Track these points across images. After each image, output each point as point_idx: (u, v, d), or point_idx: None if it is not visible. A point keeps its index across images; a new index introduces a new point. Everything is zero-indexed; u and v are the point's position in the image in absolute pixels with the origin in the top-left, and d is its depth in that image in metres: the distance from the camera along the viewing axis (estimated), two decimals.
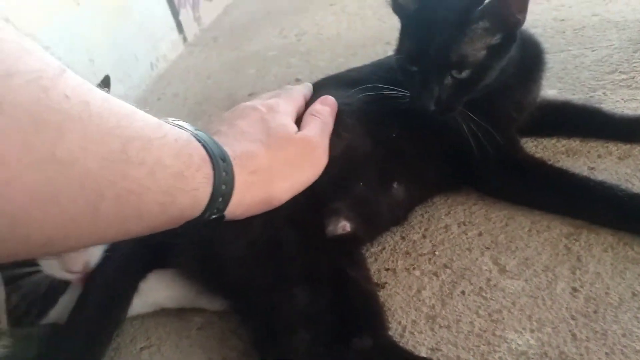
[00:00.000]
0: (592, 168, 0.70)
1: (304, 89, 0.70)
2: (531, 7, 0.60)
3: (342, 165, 0.61)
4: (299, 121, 0.61)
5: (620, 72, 0.91)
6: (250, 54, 1.57)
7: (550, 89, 0.90)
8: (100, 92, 0.38)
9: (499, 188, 0.67)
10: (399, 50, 0.68)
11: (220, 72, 1.50)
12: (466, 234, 0.65)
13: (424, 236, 0.67)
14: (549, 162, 0.66)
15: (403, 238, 0.68)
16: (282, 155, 0.54)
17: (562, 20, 1.20)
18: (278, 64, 1.43)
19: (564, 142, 0.76)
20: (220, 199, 0.46)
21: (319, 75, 1.26)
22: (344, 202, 0.61)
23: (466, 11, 0.59)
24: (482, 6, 0.58)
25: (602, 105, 0.82)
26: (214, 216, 0.47)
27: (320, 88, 0.73)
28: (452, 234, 0.66)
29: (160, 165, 0.40)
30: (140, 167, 0.38)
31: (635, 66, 0.92)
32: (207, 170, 0.45)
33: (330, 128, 0.61)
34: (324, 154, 0.58)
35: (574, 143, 0.75)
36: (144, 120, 0.41)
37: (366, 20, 1.57)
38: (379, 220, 0.66)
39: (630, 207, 0.57)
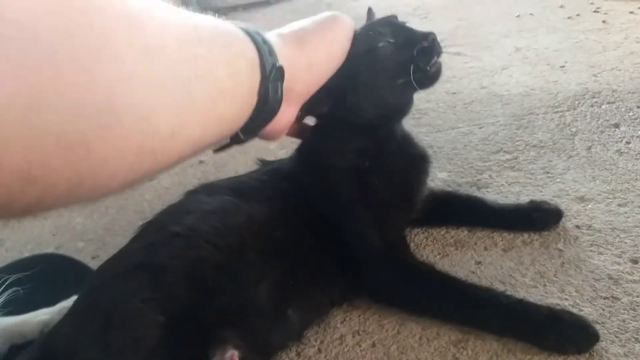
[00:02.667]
0: (479, 262, 0.71)
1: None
2: None
3: (231, 292, 0.58)
4: None
5: (504, 151, 0.96)
6: None
7: (441, 172, 0.93)
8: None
9: (390, 298, 0.67)
10: None
11: None
12: (360, 346, 0.64)
13: (320, 350, 0.65)
14: (437, 269, 0.66)
15: (298, 354, 0.65)
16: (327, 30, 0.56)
17: (454, 93, 1.26)
18: None
19: (452, 232, 0.77)
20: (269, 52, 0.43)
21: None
22: (232, 330, 0.58)
23: None
24: None
25: (487, 190, 0.85)
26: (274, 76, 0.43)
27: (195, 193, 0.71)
28: (346, 346, 0.64)
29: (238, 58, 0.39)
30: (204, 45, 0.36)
31: (518, 145, 0.97)
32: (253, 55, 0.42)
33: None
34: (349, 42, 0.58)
35: (462, 234, 0.77)
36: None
37: None
38: (272, 344, 0.63)
39: (514, 314, 0.58)
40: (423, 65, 0.61)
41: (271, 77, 0.42)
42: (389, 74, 0.63)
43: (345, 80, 0.59)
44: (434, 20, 1.91)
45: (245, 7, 3.04)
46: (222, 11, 3.01)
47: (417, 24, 1.93)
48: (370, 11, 0.75)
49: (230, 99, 0.38)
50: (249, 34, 0.42)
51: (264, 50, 0.42)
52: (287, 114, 0.50)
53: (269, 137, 0.52)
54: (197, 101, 0.34)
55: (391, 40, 0.63)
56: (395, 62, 0.63)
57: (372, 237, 0.67)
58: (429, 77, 0.63)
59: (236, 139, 0.46)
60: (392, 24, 0.67)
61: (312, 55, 0.52)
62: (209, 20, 0.38)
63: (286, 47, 0.47)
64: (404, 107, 0.70)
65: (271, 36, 0.46)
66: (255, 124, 0.44)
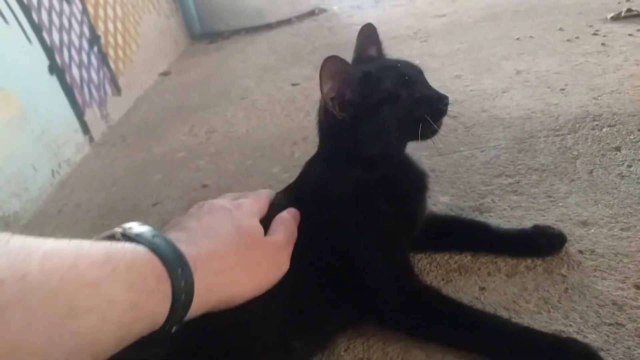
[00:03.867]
0: (483, 288, 0.71)
1: (268, 193, 0.71)
2: None
3: (236, 326, 0.58)
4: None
5: (506, 175, 0.96)
6: (159, 156, 1.54)
7: (443, 196, 0.94)
8: (39, 250, 0.37)
9: (397, 323, 0.67)
10: None
11: (125, 178, 1.45)
12: None
13: None
14: (443, 294, 0.67)
15: None
16: (250, 255, 0.55)
17: (455, 116, 1.27)
18: (186, 167, 1.40)
19: (456, 258, 0.77)
20: (180, 310, 0.45)
21: (227, 181, 1.26)
22: None
23: None
24: None
25: (490, 214, 0.85)
26: (175, 326, 0.45)
27: None
28: None
29: (112, 305, 0.39)
30: (90, 316, 0.37)
31: (520, 168, 0.97)
32: (165, 288, 0.44)
33: (295, 237, 0.63)
34: (288, 259, 0.60)
35: (466, 259, 0.77)
36: (90, 261, 0.40)
37: (275, 117, 1.59)
38: None
39: (520, 341, 0.58)
40: (432, 124, 0.68)
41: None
42: (401, 123, 0.69)
43: (362, 110, 0.67)
44: (435, 44, 1.94)
45: (248, 31, 3.09)
46: (224, 34, 3.06)
47: (418, 48, 1.97)
48: (369, 27, 0.77)
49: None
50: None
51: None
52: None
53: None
54: None
55: (413, 92, 0.68)
56: (410, 115, 0.68)
57: (377, 262, 0.67)
58: (432, 132, 0.70)
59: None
60: (416, 72, 0.72)
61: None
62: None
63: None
64: (402, 149, 0.75)
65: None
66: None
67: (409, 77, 0.69)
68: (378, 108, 0.67)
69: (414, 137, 0.69)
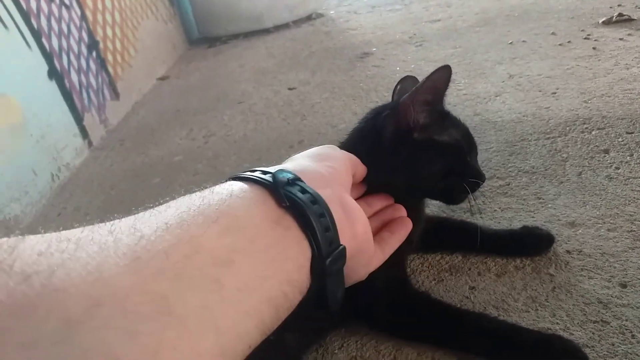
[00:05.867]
0: (473, 288, 0.73)
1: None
2: None
3: None
4: None
5: (497, 177, 0.98)
6: (157, 159, 1.56)
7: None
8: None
9: (387, 327, 0.69)
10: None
11: (123, 181, 1.47)
12: None
13: None
14: (432, 298, 0.69)
15: None
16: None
17: None
18: (184, 170, 1.42)
19: (447, 258, 0.79)
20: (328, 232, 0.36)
21: None
22: None
23: None
24: None
25: (481, 215, 0.87)
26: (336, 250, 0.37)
27: None
28: None
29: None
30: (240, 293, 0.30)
31: (510, 171, 1.00)
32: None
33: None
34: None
35: (457, 259, 0.79)
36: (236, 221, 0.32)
37: (272, 121, 1.61)
38: None
39: (506, 338, 0.60)
40: (465, 194, 0.67)
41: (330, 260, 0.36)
42: (445, 176, 0.64)
43: (425, 139, 0.63)
44: (430, 48, 1.96)
45: (246, 36, 3.11)
46: (223, 39, 3.09)
47: (413, 52, 1.99)
48: (410, 80, 0.72)
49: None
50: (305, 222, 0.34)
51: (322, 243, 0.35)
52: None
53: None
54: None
55: (468, 157, 0.67)
56: (457, 174, 0.65)
57: (374, 273, 0.68)
58: (459, 200, 0.69)
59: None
60: (475, 143, 0.69)
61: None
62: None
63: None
64: (419, 196, 0.71)
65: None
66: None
67: (471, 144, 0.68)
68: (439, 148, 0.63)
69: (441, 197, 0.68)
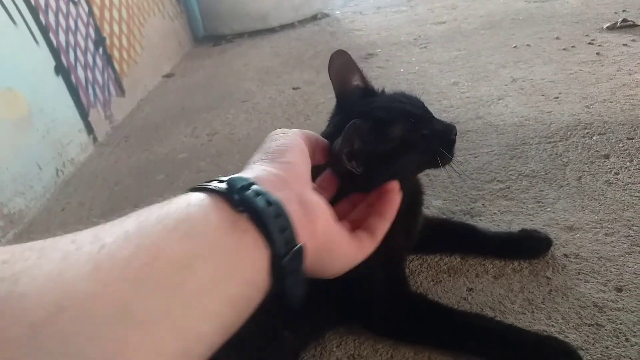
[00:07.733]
0: (471, 289, 0.74)
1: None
2: None
3: None
4: None
5: (497, 180, 0.99)
6: (161, 156, 1.57)
7: (436, 200, 0.96)
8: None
9: (384, 331, 0.70)
10: None
11: (127, 177, 1.48)
12: None
13: None
14: (430, 300, 0.70)
15: None
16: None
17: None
18: (188, 167, 1.43)
19: (446, 259, 0.80)
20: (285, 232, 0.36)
21: None
22: (227, 350, 0.60)
23: None
24: None
25: (480, 218, 0.88)
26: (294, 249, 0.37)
27: None
28: None
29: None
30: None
31: (510, 174, 1.00)
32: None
33: None
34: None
35: (455, 261, 0.80)
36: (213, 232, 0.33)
37: (275, 120, 1.62)
38: None
39: (502, 340, 0.61)
40: (448, 154, 0.66)
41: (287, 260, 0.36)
42: (417, 164, 0.67)
43: (375, 159, 0.60)
44: (434, 50, 1.97)
45: (251, 35, 3.12)
46: (228, 38, 3.10)
47: (417, 54, 1.99)
48: (341, 55, 0.69)
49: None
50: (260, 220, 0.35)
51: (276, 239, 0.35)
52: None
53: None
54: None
55: (424, 133, 0.64)
56: (424, 154, 0.65)
57: (374, 272, 0.69)
58: (448, 160, 0.67)
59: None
60: (419, 107, 0.68)
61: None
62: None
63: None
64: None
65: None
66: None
67: (414, 117, 0.65)
68: (392, 157, 0.62)
69: (432, 167, 0.69)
